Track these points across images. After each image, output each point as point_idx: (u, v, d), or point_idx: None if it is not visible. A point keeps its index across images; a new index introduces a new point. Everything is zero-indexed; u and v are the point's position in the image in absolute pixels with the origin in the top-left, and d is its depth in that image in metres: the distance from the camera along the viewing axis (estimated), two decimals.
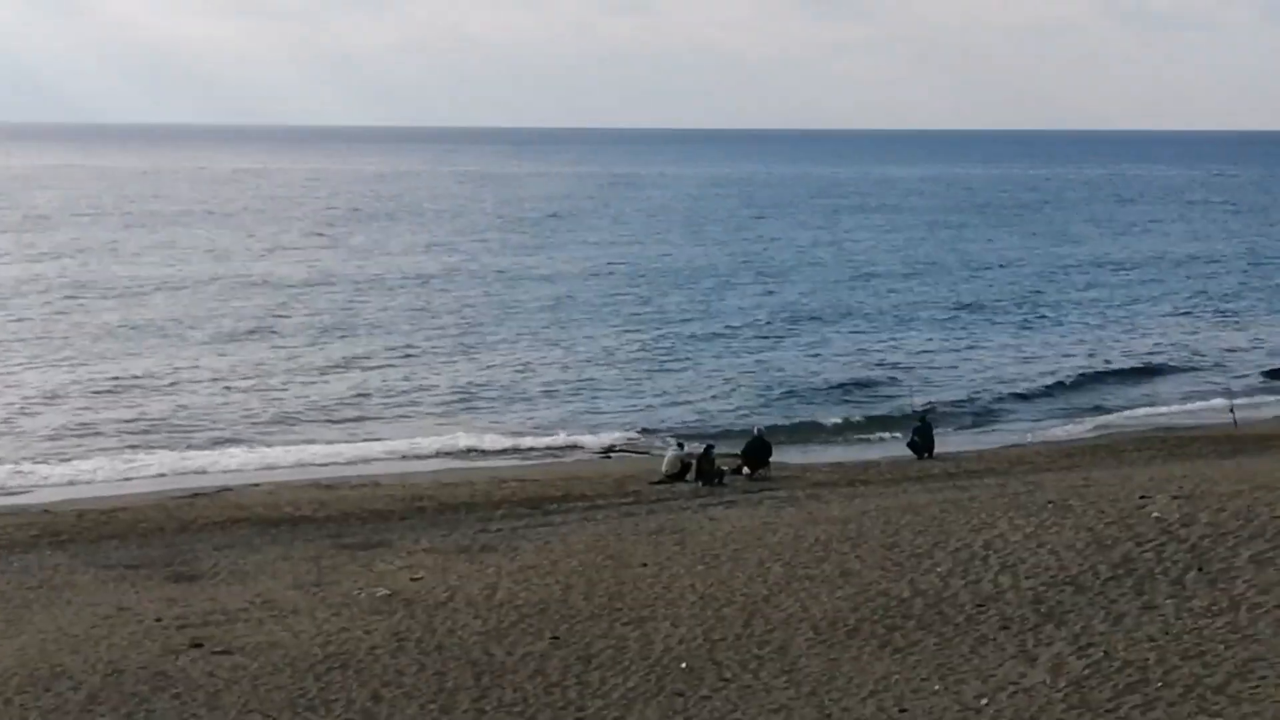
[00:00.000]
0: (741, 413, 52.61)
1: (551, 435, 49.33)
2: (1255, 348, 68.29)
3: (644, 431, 49.58)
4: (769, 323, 74.86)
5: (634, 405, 54.68)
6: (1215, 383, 57.79)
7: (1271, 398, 56.01)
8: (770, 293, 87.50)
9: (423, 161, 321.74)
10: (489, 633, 23.75)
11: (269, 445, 47.42)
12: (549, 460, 46.10)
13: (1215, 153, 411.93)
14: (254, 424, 50.57)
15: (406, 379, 58.46)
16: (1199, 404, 54.64)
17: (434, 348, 65.55)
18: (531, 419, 52.28)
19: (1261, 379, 60.20)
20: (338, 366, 60.68)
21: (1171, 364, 63.69)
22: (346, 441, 48.37)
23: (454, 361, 62.58)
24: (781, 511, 33.79)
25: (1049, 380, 59.54)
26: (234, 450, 46.47)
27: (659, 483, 40.43)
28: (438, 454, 46.58)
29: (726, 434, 47.96)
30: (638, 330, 71.70)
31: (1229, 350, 67.45)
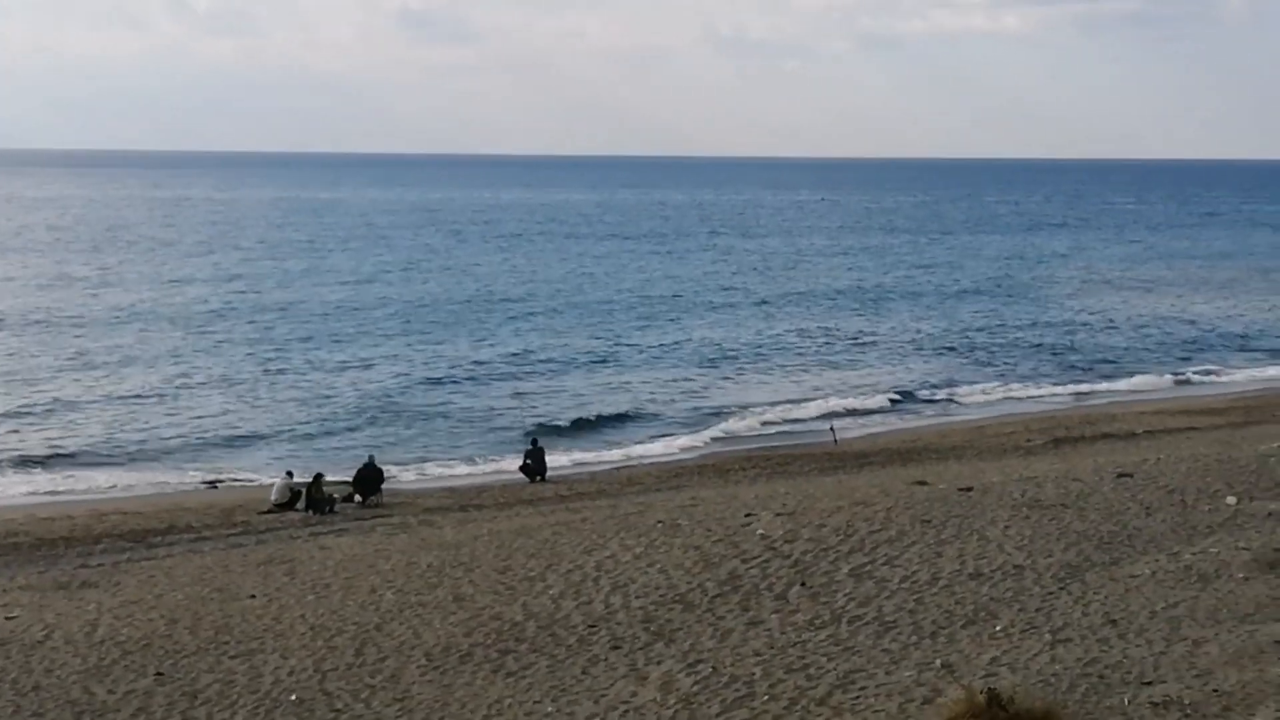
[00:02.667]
0: (353, 441, 52.01)
1: (154, 468, 47.88)
2: (867, 365, 70.82)
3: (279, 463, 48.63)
4: (391, 346, 74.42)
5: (241, 433, 53.50)
6: (819, 403, 59.58)
7: (869, 417, 58.14)
8: (394, 314, 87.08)
9: (26, 186, 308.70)
10: (89, 671, 22.84)
11: None
12: (152, 491, 44.65)
13: (814, 180, 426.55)
14: None
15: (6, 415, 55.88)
16: (802, 424, 56.34)
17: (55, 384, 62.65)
18: (131, 450, 50.64)
19: (872, 399, 62.24)
20: None
21: (780, 386, 65.44)
22: None
23: (71, 399, 59.74)
24: (394, 538, 33.53)
25: (663, 402, 60.55)
26: None
27: (268, 512, 39.71)
28: (43, 492, 44.69)
29: (337, 462, 47.34)
30: (248, 359, 70.23)
31: (841, 371, 69.74)
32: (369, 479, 41.86)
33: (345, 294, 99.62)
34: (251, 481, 45.50)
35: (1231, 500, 27.93)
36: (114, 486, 45.41)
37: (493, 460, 49.53)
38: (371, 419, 56.31)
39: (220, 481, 45.90)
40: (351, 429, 54.63)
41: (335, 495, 40.77)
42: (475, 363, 69.81)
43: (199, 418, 56.03)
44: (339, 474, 44.02)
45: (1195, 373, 70.04)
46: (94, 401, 58.88)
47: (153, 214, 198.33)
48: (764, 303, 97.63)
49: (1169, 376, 68.67)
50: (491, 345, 75.88)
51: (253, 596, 27.05)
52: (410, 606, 25.25)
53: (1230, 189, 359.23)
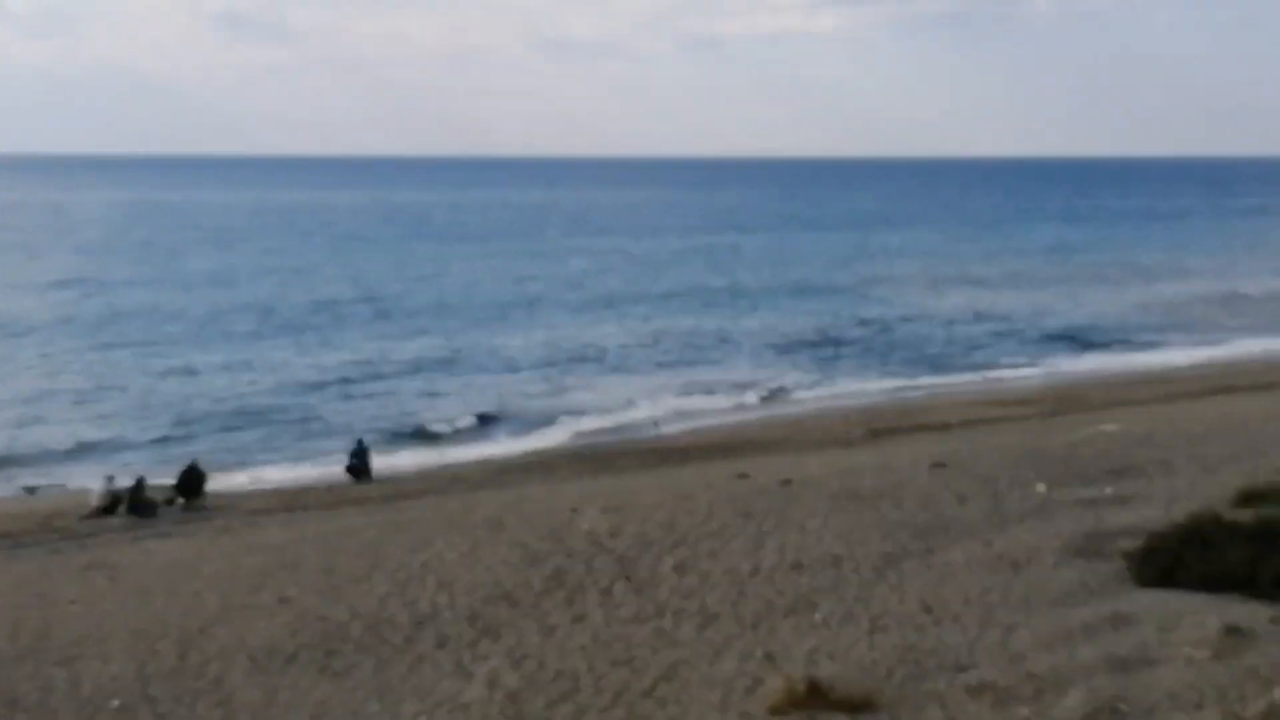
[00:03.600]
0: (179, 444, 51.29)
1: None
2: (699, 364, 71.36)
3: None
4: (223, 349, 73.60)
5: (66, 440, 52.52)
6: (647, 400, 59.73)
7: (694, 412, 58.62)
8: (230, 317, 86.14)
9: None
10: None
11: None
12: None
13: (644, 178, 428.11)
14: None
15: None
16: (630, 421, 56.64)
17: None
18: None
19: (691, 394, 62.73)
20: None
21: (611, 384, 65.69)
22: None
23: None
24: (217, 541, 33.20)
25: (492, 403, 60.46)
26: None
27: (89, 517, 39.03)
28: None
29: (162, 465, 46.66)
30: (76, 364, 69.03)
31: (669, 368, 70.15)
32: (192, 481, 41.35)
33: (180, 297, 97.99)
34: (72, 487, 44.74)
35: (1042, 488, 28.68)
36: None
37: (319, 461, 49.18)
38: (197, 421, 55.60)
39: (39, 487, 45.05)
40: (178, 432, 53.87)
41: (157, 499, 40.21)
42: (305, 365, 69.18)
43: (25, 425, 54.91)
44: (162, 477, 43.43)
45: (1008, 363, 71.71)
46: None
47: None
48: (598, 302, 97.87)
49: (983, 369, 70.20)
50: (323, 347, 75.23)
51: (73, 602, 26.60)
52: (234, 609, 25.02)
53: (1049, 185, 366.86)
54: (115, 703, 20.74)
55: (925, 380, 67.06)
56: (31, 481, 45.93)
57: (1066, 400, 56.39)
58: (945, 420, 51.21)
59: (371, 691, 20.20)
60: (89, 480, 44.07)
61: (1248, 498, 24.80)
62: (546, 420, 57.08)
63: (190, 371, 67.03)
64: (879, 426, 50.42)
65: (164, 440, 52.61)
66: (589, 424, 56.35)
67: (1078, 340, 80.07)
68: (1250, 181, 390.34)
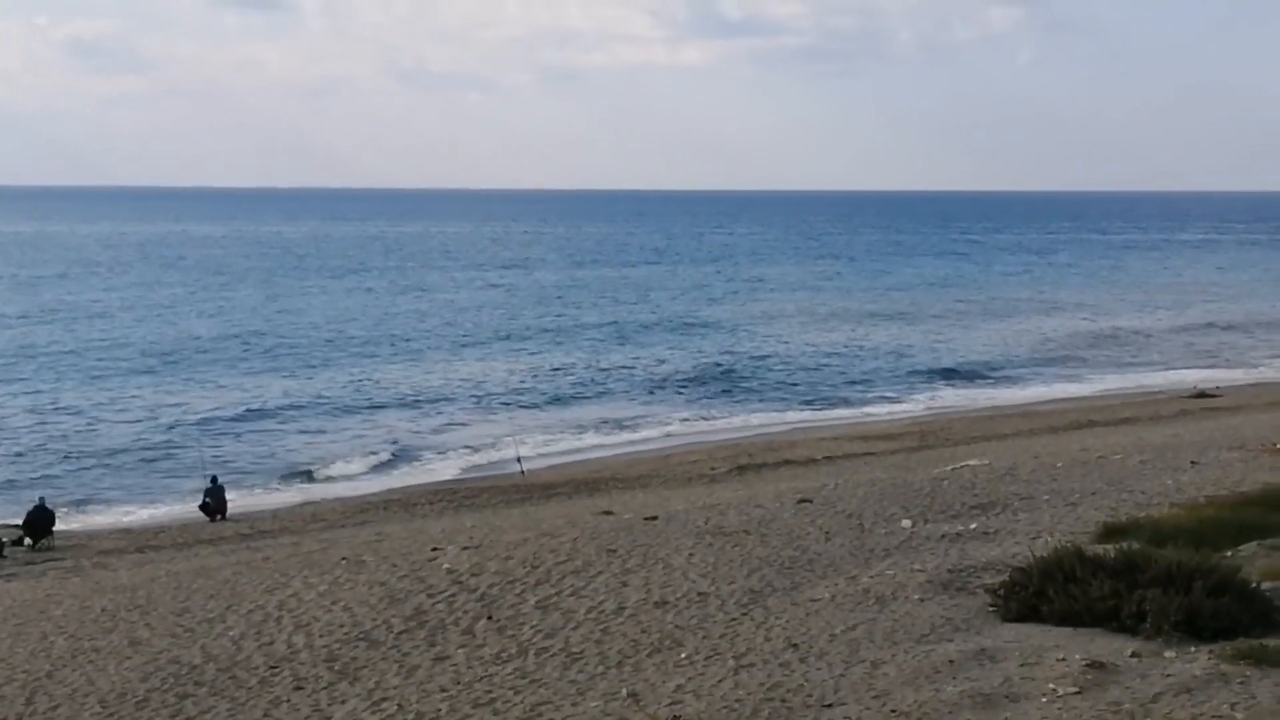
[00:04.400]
0: (28, 484, 50.08)
1: None
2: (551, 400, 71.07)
3: None
4: (71, 386, 72.19)
5: None
6: (509, 438, 59.29)
7: (557, 449, 58.36)
8: (77, 355, 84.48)
9: None
10: None
11: None
12: None
13: (508, 211, 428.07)
14: None
15: None
16: (491, 458, 56.21)
17: None
18: None
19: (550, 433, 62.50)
20: None
21: (472, 422, 65.22)
22: None
23: None
24: (66, 582, 32.37)
25: (349, 441, 59.75)
26: None
27: None
28: None
29: (10, 504, 45.57)
30: None
31: (530, 405, 69.83)
32: (39, 521, 40.34)
33: (35, 332, 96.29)
34: None
35: (907, 524, 28.66)
36: None
37: (173, 501, 48.26)
38: (52, 461, 54.41)
39: None
40: (30, 472, 52.65)
41: (4, 539, 39.19)
42: (164, 403, 67.98)
43: None
44: (12, 518, 42.39)
45: (875, 398, 72.20)
46: None
47: None
48: (469, 337, 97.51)
49: (851, 404, 70.60)
50: (185, 384, 74.07)
51: None
52: (83, 652, 24.32)
53: (916, 219, 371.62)
54: None
55: (793, 415, 67.31)
56: None
57: (931, 435, 56.74)
58: (811, 456, 51.28)
59: None
60: None
61: (1110, 532, 24.90)
62: (410, 458, 56.58)
63: (45, 409, 65.68)
64: (744, 462, 50.35)
65: (15, 480, 51.35)
66: (453, 461, 55.91)
67: (943, 375, 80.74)
68: (1115, 217, 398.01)
